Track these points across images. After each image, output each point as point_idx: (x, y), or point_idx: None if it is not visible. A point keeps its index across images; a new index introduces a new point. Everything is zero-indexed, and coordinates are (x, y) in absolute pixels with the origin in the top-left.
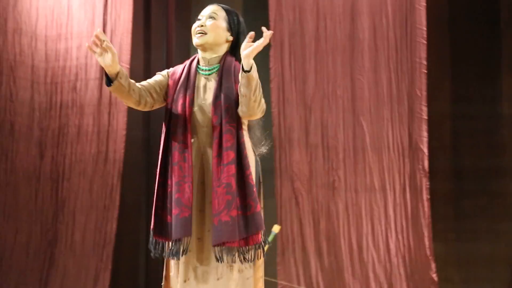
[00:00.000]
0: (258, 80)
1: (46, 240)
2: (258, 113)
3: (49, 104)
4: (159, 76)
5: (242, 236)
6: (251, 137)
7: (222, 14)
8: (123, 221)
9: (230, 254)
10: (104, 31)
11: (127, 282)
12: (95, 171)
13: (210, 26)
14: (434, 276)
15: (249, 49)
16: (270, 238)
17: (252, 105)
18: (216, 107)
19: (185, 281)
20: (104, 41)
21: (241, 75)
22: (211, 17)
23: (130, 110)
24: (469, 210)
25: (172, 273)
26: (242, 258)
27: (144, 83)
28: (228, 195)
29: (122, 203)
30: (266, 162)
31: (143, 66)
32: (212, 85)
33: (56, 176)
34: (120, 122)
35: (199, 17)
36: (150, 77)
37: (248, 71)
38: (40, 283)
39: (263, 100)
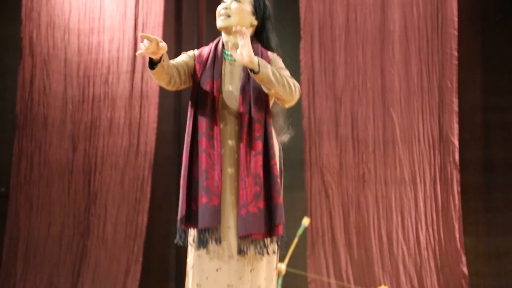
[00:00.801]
0: (272, 69)
1: (78, 232)
2: (297, 94)
3: (82, 97)
4: (185, 57)
5: (267, 228)
6: (273, 125)
7: None
8: (154, 213)
9: (257, 245)
10: (135, 24)
11: (158, 274)
12: (126, 164)
13: (234, 9)
14: (465, 269)
15: (240, 54)
16: (300, 231)
17: (286, 93)
18: (244, 95)
19: (217, 270)
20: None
21: (253, 77)
22: (236, 0)
23: (161, 103)
24: (500, 203)
25: (196, 262)
26: (267, 250)
27: (173, 62)
28: (256, 186)
29: (153, 195)
30: (296, 154)
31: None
32: (238, 71)
33: (88, 169)
34: (151, 115)
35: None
36: None
37: (258, 72)
38: (73, 274)
39: (291, 80)
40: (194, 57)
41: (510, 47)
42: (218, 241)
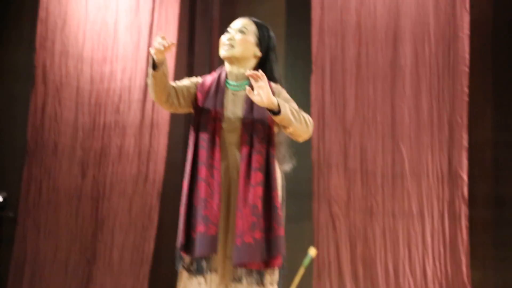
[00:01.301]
0: (289, 107)
1: (84, 258)
2: (311, 128)
3: (93, 125)
4: (188, 82)
5: (263, 259)
6: (276, 154)
7: (252, 29)
8: (160, 241)
9: (250, 276)
10: (148, 54)
11: None
12: (134, 191)
13: (238, 40)
14: None
15: (258, 95)
16: (306, 262)
17: (303, 130)
18: (246, 126)
19: None
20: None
21: (274, 118)
22: (241, 31)
23: (171, 133)
24: (508, 238)
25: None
26: (262, 281)
27: (173, 84)
28: (253, 217)
29: (160, 223)
30: (304, 185)
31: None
32: (240, 101)
33: (96, 195)
34: (161, 144)
35: (228, 30)
36: None
37: (278, 113)
38: None
39: (306, 116)
40: (196, 85)
41: None
42: (215, 269)
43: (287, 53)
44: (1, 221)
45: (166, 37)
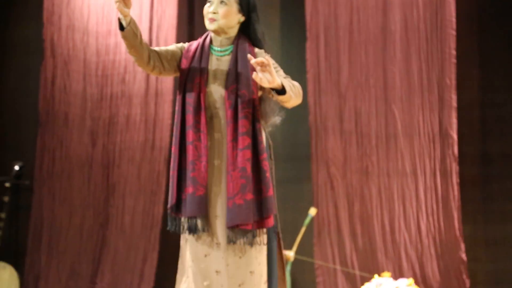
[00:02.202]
0: (288, 83)
1: (98, 223)
2: (301, 97)
3: (100, 95)
4: (173, 47)
5: (255, 219)
6: (264, 109)
7: None
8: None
9: (244, 236)
10: (150, 26)
11: (174, 261)
12: (142, 158)
13: (222, 14)
14: (463, 255)
15: (266, 80)
16: (306, 221)
17: (297, 100)
18: (230, 92)
19: (205, 256)
20: None
21: (277, 98)
22: (222, 2)
23: (175, 101)
24: (496, 193)
25: (186, 246)
26: (254, 240)
27: (157, 48)
28: (242, 179)
29: (167, 187)
30: (303, 149)
31: None
32: (224, 66)
33: (106, 163)
34: (166, 112)
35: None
36: None
37: (283, 92)
38: (93, 262)
39: (296, 85)
40: (181, 51)
41: (506, 46)
42: (206, 229)
43: (283, 22)
44: (18, 189)
45: (167, 9)
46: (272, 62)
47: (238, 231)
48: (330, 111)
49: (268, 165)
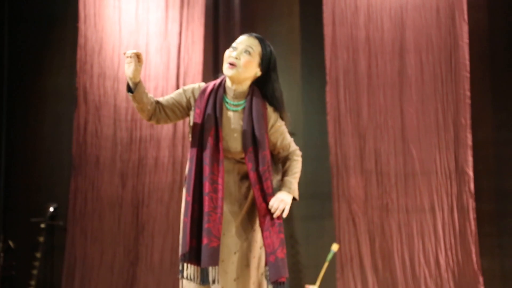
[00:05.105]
0: (295, 180)
1: (128, 261)
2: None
3: (130, 139)
4: (181, 97)
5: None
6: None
7: (257, 49)
8: None
9: None
10: (178, 73)
11: None
12: (171, 198)
13: (244, 62)
14: None
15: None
16: (329, 256)
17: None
18: (249, 153)
19: None
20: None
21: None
22: (247, 51)
23: None
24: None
25: None
26: None
27: (162, 100)
28: (281, 234)
29: None
30: (325, 187)
31: None
32: (238, 122)
33: (136, 203)
34: None
35: (234, 45)
36: None
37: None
38: None
39: (298, 158)
40: (192, 100)
41: None
42: (216, 280)
43: (304, 66)
44: (53, 229)
45: (193, 57)
46: (280, 124)
47: (280, 284)
48: (351, 151)
49: None
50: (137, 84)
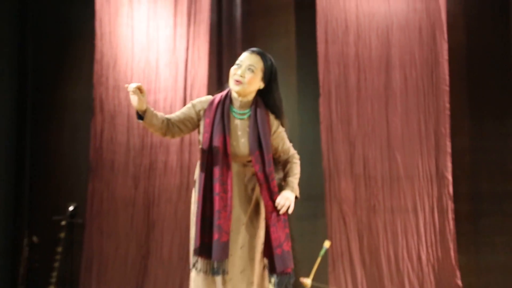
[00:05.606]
0: (296, 182)
1: (140, 255)
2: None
3: (142, 145)
4: (190, 111)
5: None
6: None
7: (259, 66)
8: None
9: (287, 278)
10: (185, 86)
11: None
12: (178, 199)
13: (248, 79)
14: (459, 282)
15: (290, 209)
16: (322, 252)
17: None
18: (256, 157)
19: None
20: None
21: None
22: (250, 69)
23: None
24: (487, 227)
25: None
26: (289, 281)
27: (173, 116)
28: (286, 229)
29: None
30: (318, 189)
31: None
32: (244, 129)
33: (147, 203)
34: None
35: (238, 62)
36: None
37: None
38: None
39: (297, 161)
40: (201, 112)
41: (493, 100)
42: (225, 271)
43: (299, 80)
44: (72, 226)
45: (199, 70)
46: (281, 130)
47: (285, 275)
48: (341, 156)
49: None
50: (145, 111)
